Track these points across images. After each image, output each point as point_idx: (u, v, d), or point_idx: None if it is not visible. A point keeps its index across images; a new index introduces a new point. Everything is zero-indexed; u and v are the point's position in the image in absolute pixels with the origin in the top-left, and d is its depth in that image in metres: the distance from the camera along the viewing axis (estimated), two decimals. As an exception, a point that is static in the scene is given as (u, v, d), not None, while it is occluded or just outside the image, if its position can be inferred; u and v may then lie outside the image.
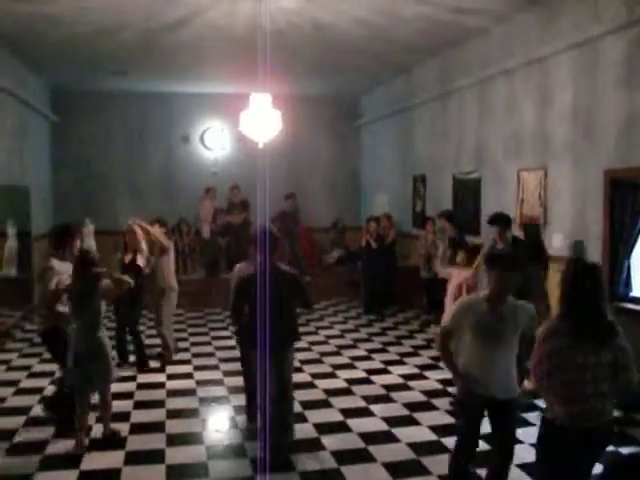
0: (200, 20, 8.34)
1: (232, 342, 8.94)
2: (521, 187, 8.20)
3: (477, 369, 4.32)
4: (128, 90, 13.52)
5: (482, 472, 4.93)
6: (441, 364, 8.07)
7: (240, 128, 7.60)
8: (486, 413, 4.39)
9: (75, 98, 13.65)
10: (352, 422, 6.15)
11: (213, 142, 14.56)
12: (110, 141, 14.06)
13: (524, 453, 5.11)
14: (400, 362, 8.32)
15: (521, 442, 5.36)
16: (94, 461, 5.30)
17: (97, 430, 5.88)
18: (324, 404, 6.71)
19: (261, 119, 7.36)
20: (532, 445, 5.39)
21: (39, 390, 7.04)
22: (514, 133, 8.46)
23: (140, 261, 7.94)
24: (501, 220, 6.92)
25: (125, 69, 11.43)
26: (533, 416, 6.07)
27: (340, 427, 6.05)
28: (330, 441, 5.71)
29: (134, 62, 10.94)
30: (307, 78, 12.56)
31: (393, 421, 6.16)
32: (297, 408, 6.52)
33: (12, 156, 10.57)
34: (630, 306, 6.48)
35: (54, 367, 6.95)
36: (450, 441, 5.61)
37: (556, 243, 7.53)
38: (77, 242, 6.43)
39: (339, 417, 6.31)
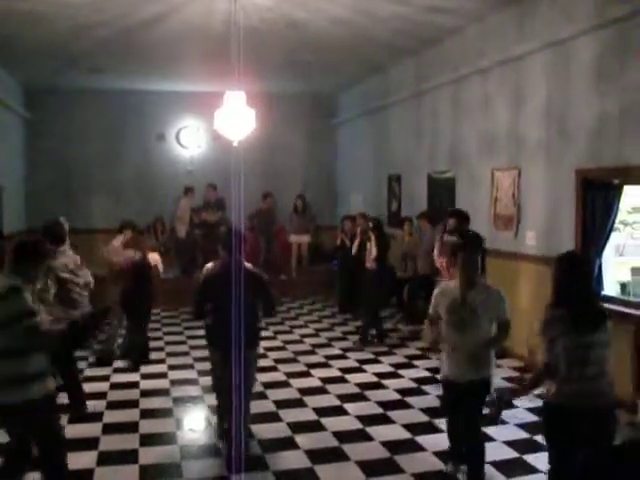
0: (176, 17, 8.28)
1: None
2: (495, 186, 8.26)
3: (449, 354, 4.55)
4: (104, 88, 13.38)
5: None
6: (416, 362, 8.15)
7: (215, 126, 7.56)
8: None
9: (50, 95, 13.49)
10: (326, 421, 6.15)
11: (189, 140, 14.50)
12: (86, 139, 13.90)
13: (496, 451, 5.14)
14: (375, 360, 8.33)
15: (493, 440, 5.42)
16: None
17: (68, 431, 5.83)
18: (298, 403, 6.70)
19: (235, 117, 7.32)
20: (505, 443, 5.50)
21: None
22: (488, 132, 8.51)
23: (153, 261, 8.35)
24: (458, 214, 7.38)
25: (101, 67, 11.31)
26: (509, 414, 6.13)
27: (314, 426, 6.04)
28: (304, 440, 5.70)
29: (110, 60, 10.84)
30: (282, 76, 12.53)
31: (367, 420, 6.17)
32: (271, 407, 6.55)
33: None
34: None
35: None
36: (424, 439, 5.67)
37: (529, 241, 7.60)
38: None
39: (313, 416, 6.31)
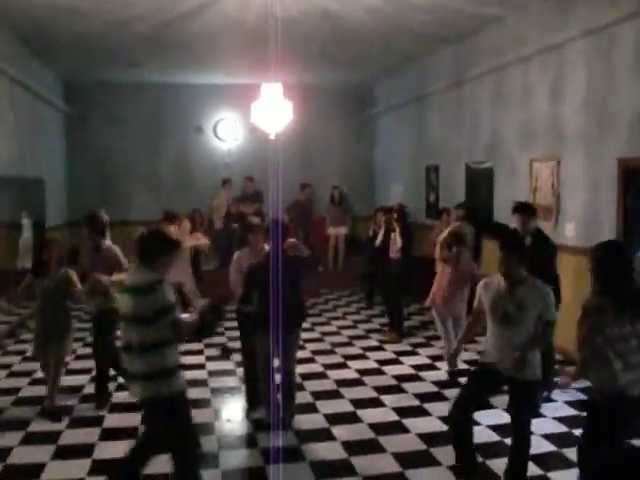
0: (213, 10, 8.33)
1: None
2: (534, 177, 8.14)
3: (492, 347, 4.54)
4: (142, 81, 13.55)
5: (492, 463, 4.96)
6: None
7: (251, 119, 7.59)
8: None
9: (89, 90, 13.72)
10: (362, 412, 6.15)
11: (226, 133, 14.57)
12: (125, 132, 14.10)
13: (535, 444, 5.08)
14: (412, 352, 8.30)
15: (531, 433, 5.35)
16: (106, 450, 5.35)
17: (109, 422, 5.96)
18: (335, 395, 6.72)
19: (272, 110, 7.33)
20: (543, 436, 5.43)
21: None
22: (528, 122, 8.38)
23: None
24: (523, 209, 6.51)
25: (139, 60, 11.43)
26: (549, 407, 6.07)
27: (350, 417, 6.05)
28: (340, 432, 5.71)
29: (148, 53, 10.96)
30: (319, 67, 12.51)
31: (404, 412, 6.16)
32: (308, 398, 6.57)
33: (26, 149, 10.63)
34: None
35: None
36: (461, 432, 5.64)
37: (569, 232, 7.47)
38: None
39: (350, 408, 6.31)
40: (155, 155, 14.32)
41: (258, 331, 5.61)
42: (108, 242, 6.56)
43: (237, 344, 8.49)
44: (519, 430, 4.44)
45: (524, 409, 4.46)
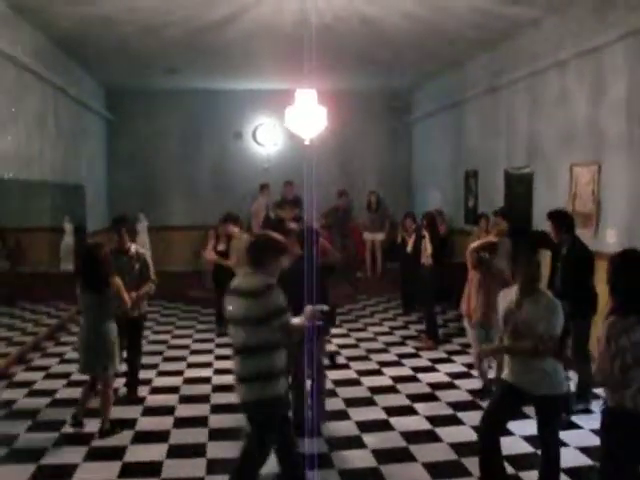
0: (247, 17, 8.37)
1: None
2: (574, 182, 7.97)
3: (508, 363, 4.46)
4: (180, 87, 13.68)
5: (525, 475, 4.85)
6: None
7: (285, 124, 7.60)
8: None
9: (129, 96, 13.92)
10: (395, 420, 6.10)
11: (265, 138, 14.62)
12: (164, 138, 14.28)
13: (569, 456, 4.96)
14: (448, 360, 8.20)
15: (566, 445, 5.22)
16: (137, 454, 5.40)
17: (141, 425, 6.02)
18: (368, 402, 6.67)
19: (306, 115, 7.33)
20: (578, 448, 5.30)
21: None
22: (567, 127, 8.21)
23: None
24: (555, 217, 6.38)
25: (176, 67, 11.57)
26: (583, 418, 5.92)
27: (382, 425, 6.00)
28: (371, 439, 5.67)
29: (185, 60, 11.08)
30: (357, 74, 12.49)
31: (436, 420, 6.08)
32: (340, 405, 6.53)
33: (68, 155, 10.84)
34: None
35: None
36: (493, 442, 5.53)
37: (610, 239, 7.29)
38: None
39: (382, 415, 6.26)
40: (194, 161, 14.45)
41: None
42: (135, 246, 6.67)
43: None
44: (545, 444, 4.35)
45: (547, 424, 4.35)
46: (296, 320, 4.20)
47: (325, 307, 4.41)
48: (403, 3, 7.88)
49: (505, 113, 10.11)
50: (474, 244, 6.92)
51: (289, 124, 7.51)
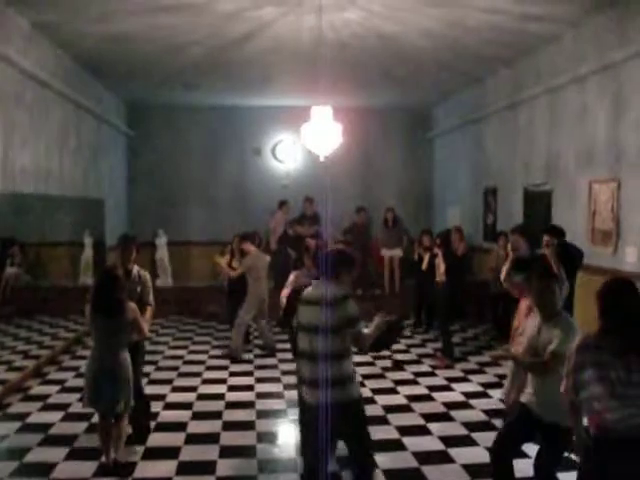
0: (266, 35, 8.41)
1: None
2: (593, 200, 7.86)
3: (529, 386, 4.36)
4: (200, 104, 13.77)
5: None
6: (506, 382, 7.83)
7: (301, 141, 7.61)
8: None
9: (150, 112, 14.04)
10: (408, 440, 6.01)
11: (285, 155, 14.64)
12: (183, 154, 14.34)
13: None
14: (464, 379, 8.09)
15: None
16: (146, 470, 5.38)
17: (152, 441, 5.99)
18: (382, 421, 6.58)
19: (322, 132, 7.33)
20: None
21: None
22: (586, 143, 8.12)
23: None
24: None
25: (196, 83, 11.65)
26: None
27: (395, 445, 5.91)
28: (383, 459, 5.56)
29: (204, 77, 11.15)
30: (376, 90, 12.48)
31: (450, 441, 5.98)
32: (353, 424, 6.44)
33: (88, 170, 10.95)
34: None
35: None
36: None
37: (629, 258, 7.17)
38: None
39: (395, 435, 6.17)
40: (213, 176, 14.50)
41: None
42: (137, 267, 6.15)
43: (287, 367, 8.55)
44: (539, 476, 4.26)
45: (548, 454, 4.23)
46: (367, 330, 4.35)
47: (393, 317, 4.59)
48: (421, 20, 7.86)
49: (524, 129, 10.04)
50: (503, 274, 6.55)
51: (305, 141, 7.52)
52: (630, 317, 3.43)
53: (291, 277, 6.75)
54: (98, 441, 5.42)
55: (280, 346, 9.50)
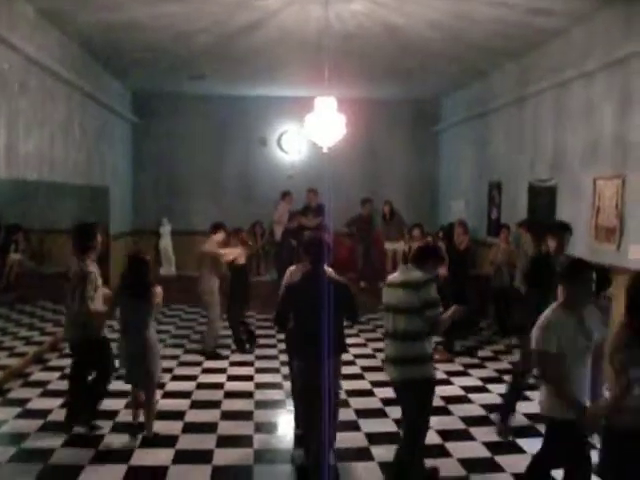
0: (272, 24, 8.37)
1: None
2: (597, 196, 7.82)
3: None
4: (206, 93, 13.75)
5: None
6: (507, 377, 7.82)
7: (305, 132, 7.58)
8: None
9: (156, 100, 14.00)
10: (405, 433, 6.01)
11: (290, 145, 14.61)
12: (189, 143, 14.31)
13: None
14: (464, 373, 8.09)
15: None
16: (144, 457, 5.41)
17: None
18: (379, 413, 6.60)
19: (325, 123, 7.30)
20: None
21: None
22: (592, 139, 8.07)
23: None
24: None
25: (202, 73, 11.63)
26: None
27: (392, 438, 5.86)
28: (380, 451, 5.59)
29: (211, 66, 11.12)
30: (383, 82, 12.43)
31: (447, 435, 5.98)
32: (351, 416, 6.46)
33: (93, 157, 10.95)
34: None
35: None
36: (504, 459, 5.41)
37: (633, 255, 7.13)
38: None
39: (393, 427, 6.16)
40: (218, 166, 14.48)
41: (294, 356, 5.40)
42: (88, 262, 5.92)
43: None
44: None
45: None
46: (444, 315, 4.68)
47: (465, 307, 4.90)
48: (428, 12, 7.82)
49: (530, 124, 9.98)
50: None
51: (308, 132, 7.49)
52: None
53: (287, 274, 6.18)
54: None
55: (281, 337, 9.50)
